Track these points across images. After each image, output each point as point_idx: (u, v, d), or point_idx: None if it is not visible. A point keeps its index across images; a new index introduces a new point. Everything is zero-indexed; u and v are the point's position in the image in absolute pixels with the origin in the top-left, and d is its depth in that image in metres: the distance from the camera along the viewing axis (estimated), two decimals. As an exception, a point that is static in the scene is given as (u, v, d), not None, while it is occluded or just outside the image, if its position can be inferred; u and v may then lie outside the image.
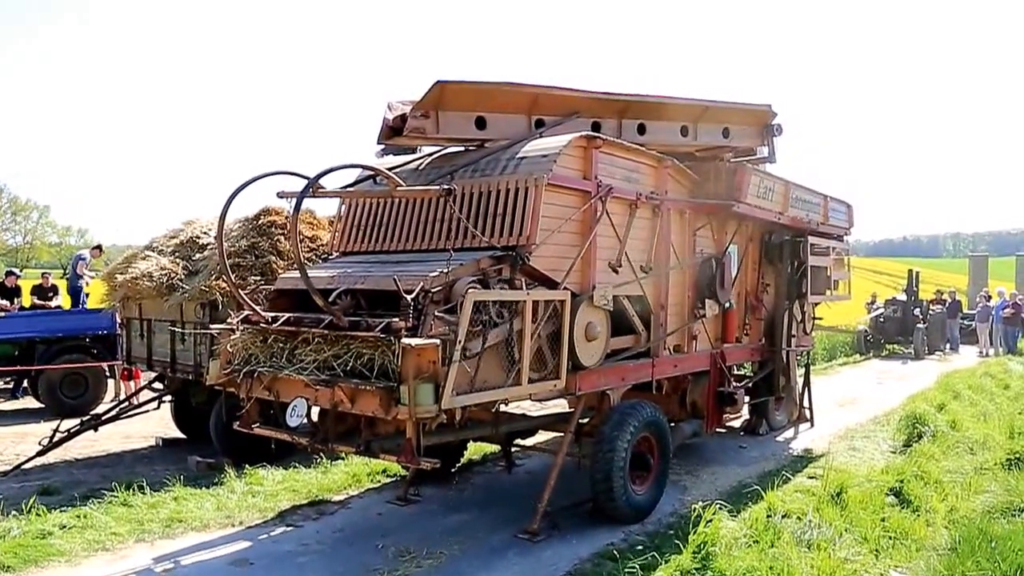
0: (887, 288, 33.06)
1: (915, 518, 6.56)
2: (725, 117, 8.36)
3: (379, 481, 7.77)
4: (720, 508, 6.21)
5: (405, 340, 4.90)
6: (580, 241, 6.40)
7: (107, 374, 12.79)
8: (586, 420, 7.15)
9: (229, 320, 6.14)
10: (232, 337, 5.96)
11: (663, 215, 7.35)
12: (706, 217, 8.10)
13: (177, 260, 8.84)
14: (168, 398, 9.93)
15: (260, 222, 8.81)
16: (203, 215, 9.91)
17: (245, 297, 5.97)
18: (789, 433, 10.59)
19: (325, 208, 10.06)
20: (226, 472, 7.72)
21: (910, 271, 22.97)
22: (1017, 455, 8.05)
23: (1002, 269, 43.91)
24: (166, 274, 8.62)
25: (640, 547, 5.95)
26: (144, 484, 7.19)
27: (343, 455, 8.31)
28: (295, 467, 8.04)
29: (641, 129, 7.74)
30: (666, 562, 5.48)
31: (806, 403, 11.09)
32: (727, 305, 8.38)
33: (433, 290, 5.26)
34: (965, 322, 23.28)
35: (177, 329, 8.43)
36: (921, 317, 21.77)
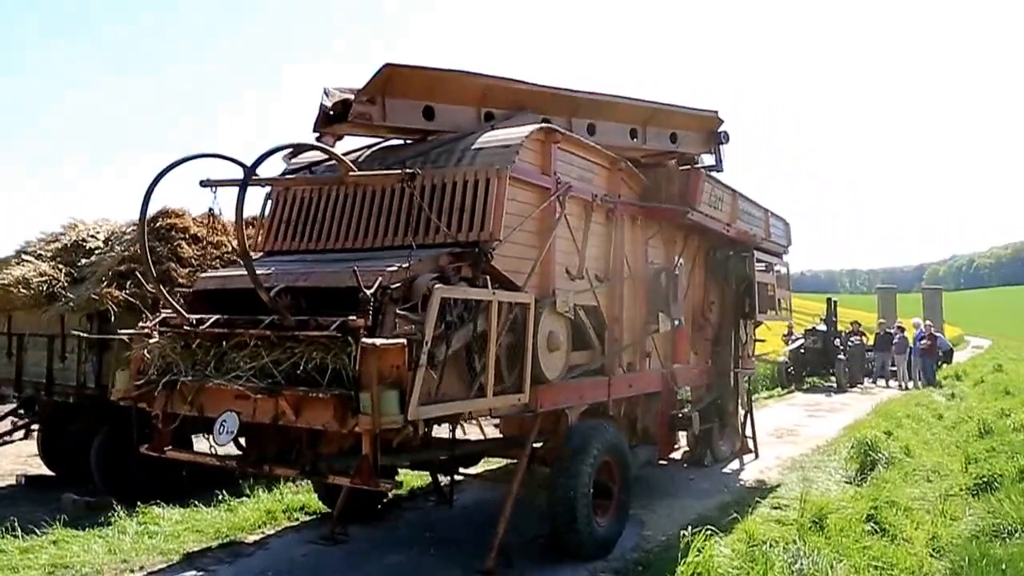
0: (796, 321, 34.01)
1: (895, 546, 6.45)
2: (673, 121, 8.31)
3: (297, 519, 7.20)
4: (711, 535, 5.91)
5: (366, 340, 4.46)
6: (539, 242, 6.11)
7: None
8: (538, 445, 6.75)
9: (141, 324, 5.50)
10: (146, 343, 5.33)
11: (617, 220, 7.14)
12: (656, 226, 7.94)
13: (59, 266, 8.06)
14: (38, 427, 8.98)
15: (158, 225, 8.16)
16: (84, 217, 9.13)
17: (168, 296, 5.33)
18: (735, 464, 10.48)
19: (228, 210, 9.45)
20: (113, 511, 6.94)
21: (829, 300, 23.65)
22: (984, 479, 8.11)
23: (906, 305, 46.20)
24: (46, 281, 7.82)
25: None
26: (15, 526, 6.38)
27: (249, 492, 7.71)
28: (195, 506, 7.33)
29: (591, 129, 7.59)
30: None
31: (749, 433, 11.02)
32: (677, 322, 8.18)
33: (392, 286, 4.85)
34: (870, 354, 23.88)
35: (84, 334, 7.49)
36: (842, 348, 22.37)
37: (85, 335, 7.49)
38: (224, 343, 5.09)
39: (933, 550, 6.54)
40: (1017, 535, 6.26)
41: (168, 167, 5.26)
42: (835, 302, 23.69)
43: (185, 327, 5.25)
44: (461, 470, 7.28)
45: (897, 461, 9.61)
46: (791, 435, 13.31)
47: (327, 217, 6.24)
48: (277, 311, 4.81)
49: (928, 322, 24.36)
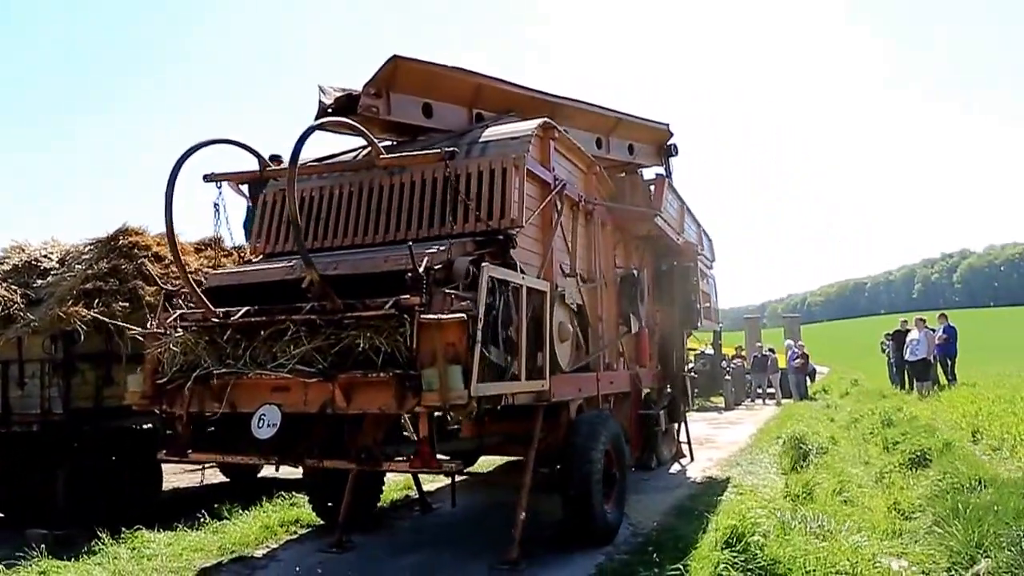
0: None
1: (868, 512, 6.79)
2: (632, 133, 8.56)
3: (295, 531, 6.80)
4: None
5: (426, 316, 4.34)
6: (542, 236, 6.15)
7: None
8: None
9: (152, 323, 5.16)
10: (165, 342, 5.00)
11: (595, 222, 7.28)
12: (619, 233, 8.13)
13: (13, 288, 7.41)
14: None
15: (120, 243, 7.68)
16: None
17: (198, 290, 5.02)
18: (675, 467, 10.70)
19: (190, 233, 9.04)
20: (97, 539, 6.35)
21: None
22: (915, 456, 8.62)
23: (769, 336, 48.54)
24: (0, 303, 7.17)
25: (634, 564, 5.60)
26: (-8, 561, 5.77)
27: (228, 515, 7.25)
28: (182, 528, 6.82)
29: (564, 136, 7.70)
30: (692, 563, 5.21)
31: (683, 438, 11.32)
32: (641, 325, 8.39)
33: (434, 267, 4.74)
34: (747, 376, 24.99)
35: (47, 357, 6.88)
36: (727, 371, 23.37)
37: (43, 360, 6.97)
38: (260, 333, 4.83)
39: (898, 512, 6.93)
40: (979, 489, 6.70)
41: (187, 152, 5.00)
42: (721, 329, 24.71)
43: (213, 320, 4.97)
44: (466, 470, 7.14)
45: (827, 450, 10.10)
46: (709, 442, 13.68)
47: (330, 216, 6.06)
48: (326, 294, 4.61)
49: (801, 343, 25.75)
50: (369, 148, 6.48)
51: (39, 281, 7.57)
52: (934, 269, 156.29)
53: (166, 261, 7.86)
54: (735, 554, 5.04)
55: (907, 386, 19.81)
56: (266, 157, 5.77)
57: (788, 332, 36.65)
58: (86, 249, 7.80)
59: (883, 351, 23.43)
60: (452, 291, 4.63)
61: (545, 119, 6.22)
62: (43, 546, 6.10)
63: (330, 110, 6.05)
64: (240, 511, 7.38)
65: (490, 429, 6.62)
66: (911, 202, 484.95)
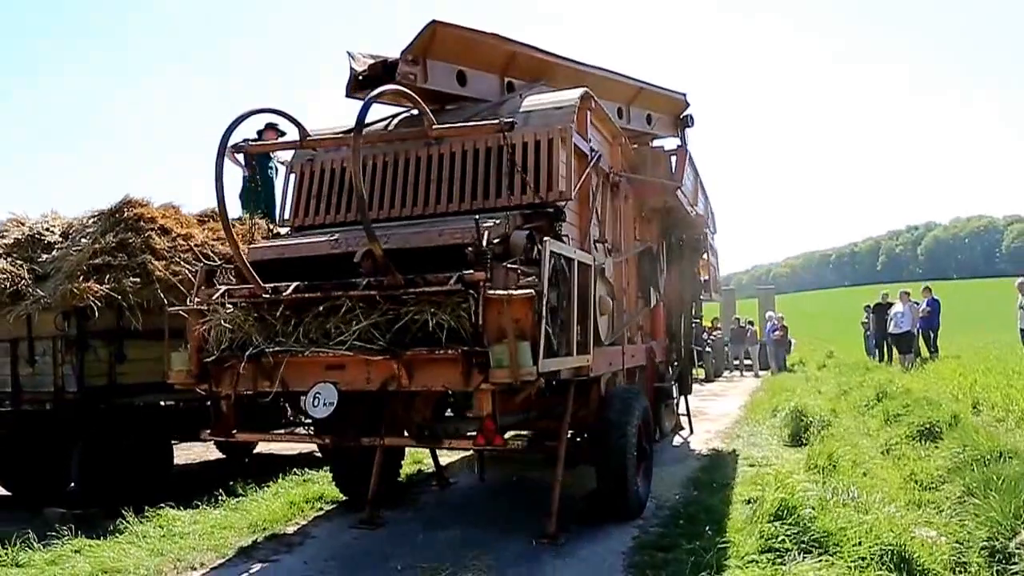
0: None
1: (884, 483, 6.85)
2: (651, 103, 8.43)
3: (320, 508, 6.68)
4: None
5: (496, 291, 4.23)
6: (580, 209, 6.03)
7: None
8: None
9: (193, 300, 4.98)
10: (211, 318, 4.82)
11: (621, 195, 7.17)
12: (637, 205, 8.04)
13: (19, 263, 7.11)
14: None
15: (125, 216, 7.40)
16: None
17: (247, 265, 4.82)
18: (677, 440, 10.72)
19: (193, 205, 8.79)
20: (118, 518, 6.19)
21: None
22: (927, 426, 8.68)
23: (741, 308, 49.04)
24: (7, 278, 6.88)
25: (672, 536, 5.60)
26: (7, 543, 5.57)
27: (243, 491, 7.11)
28: (203, 507, 6.68)
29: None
30: (733, 535, 5.22)
31: (682, 410, 11.34)
32: (659, 298, 8.34)
33: (493, 242, 4.62)
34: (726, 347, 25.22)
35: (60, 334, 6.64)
36: (707, 342, 23.51)
37: (56, 337, 6.72)
38: (312, 310, 4.68)
39: (916, 484, 6.97)
40: (1002, 461, 6.76)
41: (235, 121, 4.78)
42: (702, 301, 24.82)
43: (264, 297, 4.80)
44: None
45: (829, 423, 10.17)
46: (702, 414, 13.67)
47: (371, 188, 5.88)
48: (387, 269, 4.48)
49: (780, 315, 25.97)
50: (400, 117, 6.36)
51: (43, 256, 7.27)
52: (899, 241, 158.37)
53: (173, 235, 7.63)
54: (787, 526, 5.03)
55: (887, 359, 20.11)
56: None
57: (763, 304, 36.96)
58: (89, 222, 7.50)
59: (864, 324, 23.72)
60: (513, 266, 4.52)
61: (584, 89, 6.08)
62: (71, 525, 5.92)
63: (361, 77, 5.86)
64: (256, 488, 7.26)
65: (533, 404, 6.57)
66: (880, 175, 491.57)
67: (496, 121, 5.05)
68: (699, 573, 4.74)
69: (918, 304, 18.44)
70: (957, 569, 4.82)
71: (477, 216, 4.55)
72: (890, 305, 19.90)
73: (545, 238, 4.63)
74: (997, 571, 4.56)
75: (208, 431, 5.11)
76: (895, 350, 19.39)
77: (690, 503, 6.70)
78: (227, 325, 4.77)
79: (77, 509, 6.73)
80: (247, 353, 4.66)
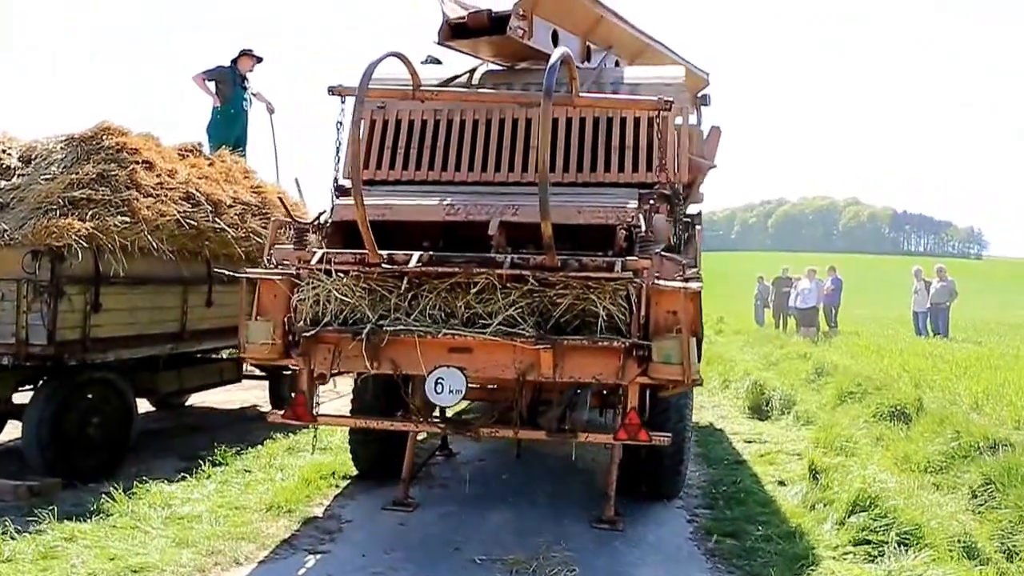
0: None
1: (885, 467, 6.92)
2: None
3: (335, 484, 6.00)
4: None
5: (671, 283, 3.85)
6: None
7: None
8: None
9: (280, 261, 4.23)
10: (309, 284, 4.10)
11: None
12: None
13: (-31, 192, 5.90)
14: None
15: (105, 144, 6.31)
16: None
17: (368, 230, 3.97)
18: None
19: (170, 136, 7.66)
20: (105, 494, 5.28)
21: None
22: (896, 407, 8.79)
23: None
24: (-41, 209, 5.69)
25: (729, 520, 5.45)
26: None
27: (224, 460, 6.40)
28: (188, 478, 5.90)
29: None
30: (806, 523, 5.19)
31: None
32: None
33: (637, 226, 4.24)
34: None
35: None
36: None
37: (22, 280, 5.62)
38: (439, 284, 4.08)
39: (912, 467, 6.97)
40: (997, 451, 6.85)
41: (371, 67, 3.97)
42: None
43: (383, 267, 4.06)
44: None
45: (794, 400, 10.15)
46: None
47: (451, 145, 5.25)
48: (549, 247, 3.87)
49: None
50: (482, 72, 5.82)
51: (2, 183, 6.09)
52: (752, 213, 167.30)
53: (157, 170, 6.61)
54: (872, 519, 4.96)
55: (783, 329, 20.92)
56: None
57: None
58: (57, 147, 6.33)
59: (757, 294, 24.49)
60: (668, 255, 4.18)
61: (683, 66, 5.68)
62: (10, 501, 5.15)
63: (450, 24, 5.30)
64: (235, 456, 6.52)
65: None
66: (741, 152, 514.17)
67: (655, 99, 4.44)
68: (795, 565, 4.53)
69: (823, 282, 19.27)
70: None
71: (641, 193, 4.06)
72: (789, 280, 20.76)
73: (697, 226, 4.25)
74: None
75: (282, 414, 4.36)
76: (792, 321, 20.21)
77: (714, 482, 6.54)
78: (339, 295, 4.04)
79: (32, 481, 5.70)
80: (366, 329, 3.98)
